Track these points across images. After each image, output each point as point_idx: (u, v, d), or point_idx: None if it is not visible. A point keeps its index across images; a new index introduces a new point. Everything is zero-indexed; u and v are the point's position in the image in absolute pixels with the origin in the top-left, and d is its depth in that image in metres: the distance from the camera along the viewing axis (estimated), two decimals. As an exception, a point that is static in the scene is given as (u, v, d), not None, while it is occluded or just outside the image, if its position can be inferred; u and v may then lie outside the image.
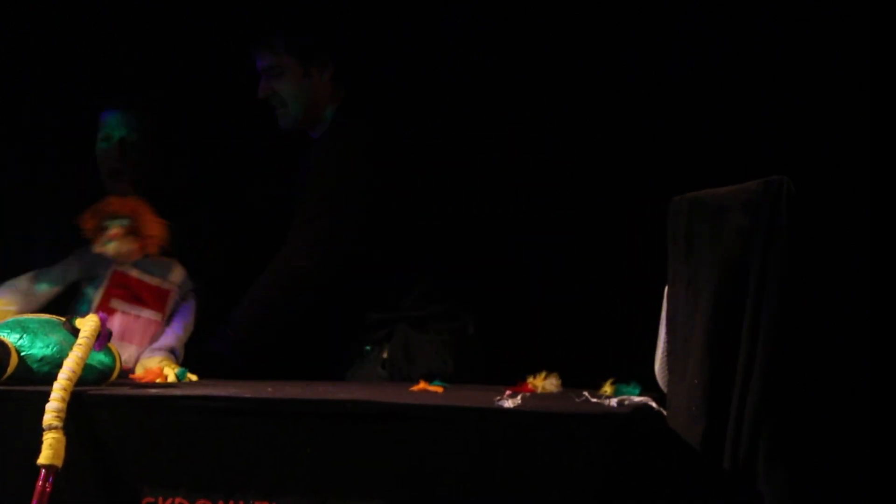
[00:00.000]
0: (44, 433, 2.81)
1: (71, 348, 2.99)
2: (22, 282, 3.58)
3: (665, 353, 3.03)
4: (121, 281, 3.60)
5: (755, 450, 2.78)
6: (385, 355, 3.96)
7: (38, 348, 3.05)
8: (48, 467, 2.79)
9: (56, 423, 2.81)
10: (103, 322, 3.09)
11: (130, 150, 4.08)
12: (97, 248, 3.57)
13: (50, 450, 2.79)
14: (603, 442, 2.81)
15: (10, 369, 2.99)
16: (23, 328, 3.08)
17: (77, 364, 2.93)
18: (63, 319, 3.16)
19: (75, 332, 3.06)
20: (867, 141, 3.90)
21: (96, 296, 3.58)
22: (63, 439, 2.82)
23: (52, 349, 3.05)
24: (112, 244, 3.56)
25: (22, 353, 3.03)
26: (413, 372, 3.75)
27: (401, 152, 4.02)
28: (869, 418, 3.64)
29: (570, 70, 4.33)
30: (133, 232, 3.59)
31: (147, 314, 3.62)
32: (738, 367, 2.82)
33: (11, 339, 3.03)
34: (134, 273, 3.62)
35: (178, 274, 3.70)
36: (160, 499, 2.90)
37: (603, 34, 4.32)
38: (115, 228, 3.58)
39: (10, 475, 2.91)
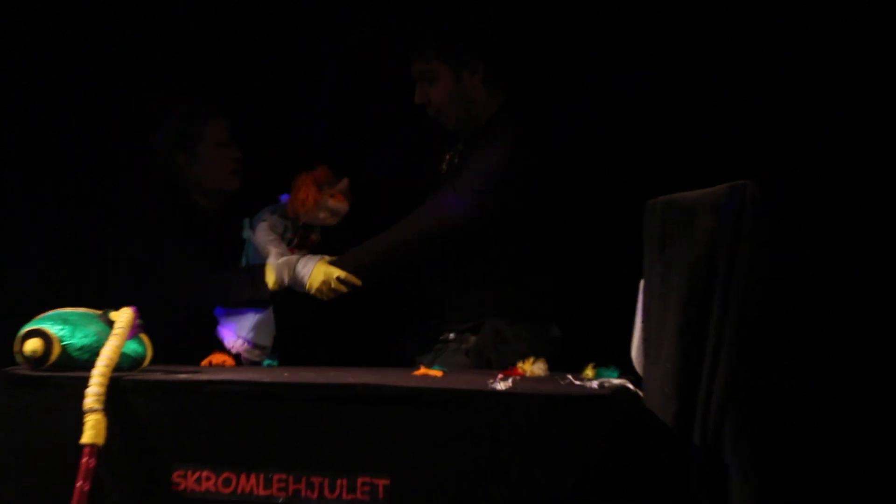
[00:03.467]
0: (86, 415, 3.00)
1: (107, 338, 3.18)
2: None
3: (641, 341, 3.17)
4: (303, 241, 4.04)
5: (722, 427, 2.93)
6: (470, 344, 4.06)
7: (77, 338, 3.22)
8: (91, 445, 2.98)
9: (97, 405, 3.00)
10: (136, 314, 3.29)
11: (241, 147, 4.26)
12: (315, 210, 3.98)
13: (92, 430, 2.98)
14: (585, 420, 3.00)
15: (53, 357, 3.19)
16: (64, 320, 3.25)
17: (114, 352, 3.13)
18: (100, 312, 3.34)
19: (110, 324, 3.25)
20: (834, 145, 4.02)
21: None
22: (104, 420, 3.00)
23: (90, 339, 3.23)
24: (334, 204, 3.97)
25: (63, 343, 3.21)
26: (500, 362, 3.85)
27: (553, 151, 4.09)
28: (832, 400, 3.83)
29: (555, 79, 4.45)
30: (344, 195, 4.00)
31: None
32: (707, 352, 2.96)
33: (54, 330, 3.21)
34: (312, 233, 4.07)
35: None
36: (189, 472, 3.07)
37: (592, 39, 4.43)
38: (334, 191, 3.98)
39: (57, 453, 3.08)
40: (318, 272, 3.87)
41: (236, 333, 3.97)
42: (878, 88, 3.84)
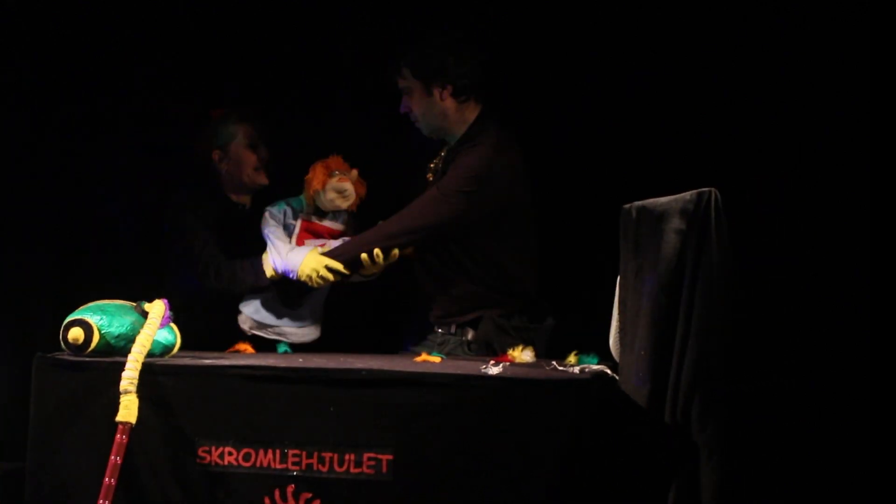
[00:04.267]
0: (120, 396, 3.24)
1: (141, 327, 3.42)
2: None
3: (618, 331, 3.37)
4: (308, 227, 4.29)
5: (689, 407, 3.13)
6: (469, 337, 4.23)
7: (115, 327, 3.45)
8: (124, 423, 3.23)
9: (130, 387, 3.25)
10: (167, 306, 3.53)
11: (268, 148, 4.54)
12: (324, 196, 4.23)
13: (126, 409, 3.23)
14: (568, 401, 3.20)
15: (93, 344, 3.43)
16: (102, 311, 3.48)
17: (147, 340, 3.37)
18: (134, 304, 3.57)
19: (144, 314, 3.49)
20: (786, 156, 4.25)
21: (292, 241, 4.26)
22: (136, 401, 3.25)
23: (126, 328, 3.46)
24: (339, 184, 4.22)
25: (102, 332, 3.44)
26: (504, 351, 3.96)
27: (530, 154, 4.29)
28: (788, 384, 4.04)
29: (537, 91, 4.63)
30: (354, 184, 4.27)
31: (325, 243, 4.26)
32: (676, 341, 3.14)
33: (94, 320, 3.44)
34: (315, 220, 4.30)
35: (346, 218, 4.35)
36: (213, 448, 3.31)
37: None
38: (343, 178, 4.24)
39: (94, 429, 3.32)
40: (307, 261, 4.13)
41: (244, 313, 4.28)
42: (878, 88, 4.00)
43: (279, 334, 4.31)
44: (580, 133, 4.57)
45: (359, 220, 4.38)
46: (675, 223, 3.19)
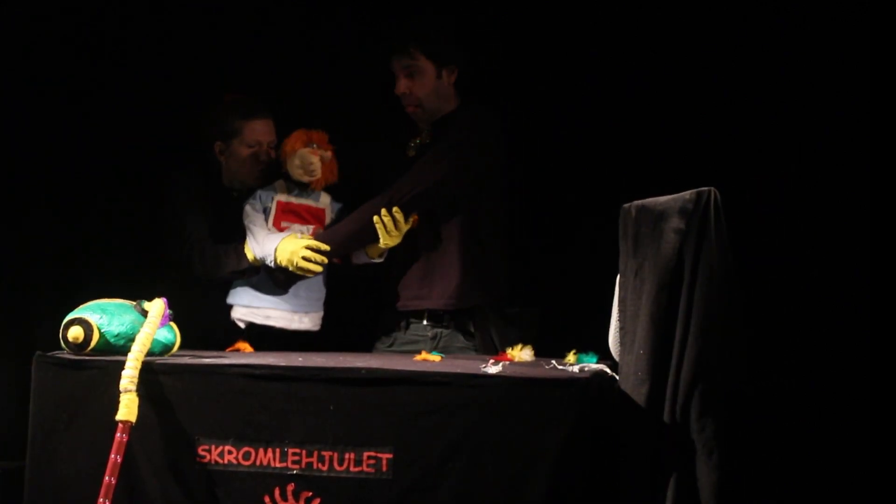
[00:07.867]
0: (120, 394, 3.25)
1: (141, 326, 3.42)
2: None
3: (617, 330, 3.36)
4: (286, 207, 4.24)
5: (688, 406, 3.16)
6: (460, 327, 4.25)
7: (115, 326, 3.46)
8: (124, 422, 3.24)
9: (130, 386, 3.26)
10: (167, 305, 3.53)
11: (274, 151, 4.40)
12: (292, 156, 4.19)
13: (126, 408, 3.24)
14: (567, 401, 3.19)
15: (93, 343, 3.44)
16: (102, 310, 3.49)
17: (147, 339, 3.38)
18: (134, 303, 3.57)
19: (144, 313, 3.50)
20: (786, 156, 4.29)
21: (268, 222, 4.23)
22: (136, 399, 3.26)
23: (126, 327, 3.47)
24: (307, 154, 4.18)
25: (102, 330, 3.45)
26: (501, 341, 4.10)
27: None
28: (787, 382, 4.07)
29: (543, 91, 4.65)
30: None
31: (309, 229, 4.23)
32: (675, 341, 3.17)
33: (93, 318, 3.46)
34: (293, 199, 4.25)
35: (326, 197, 4.32)
36: (213, 446, 3.32)
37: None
38: (315, 151, 4.21)
39: (94, 428, 3.33)
40: (283, 245, 4.12)
41: (234, 303, 4.28)
42: (878, 88, 4.06)
43: (267, 317, 4.26)
44: (580, 132, 4.58)
45: (344, 204, 4.35)
46: (675, 222, 3.22)
